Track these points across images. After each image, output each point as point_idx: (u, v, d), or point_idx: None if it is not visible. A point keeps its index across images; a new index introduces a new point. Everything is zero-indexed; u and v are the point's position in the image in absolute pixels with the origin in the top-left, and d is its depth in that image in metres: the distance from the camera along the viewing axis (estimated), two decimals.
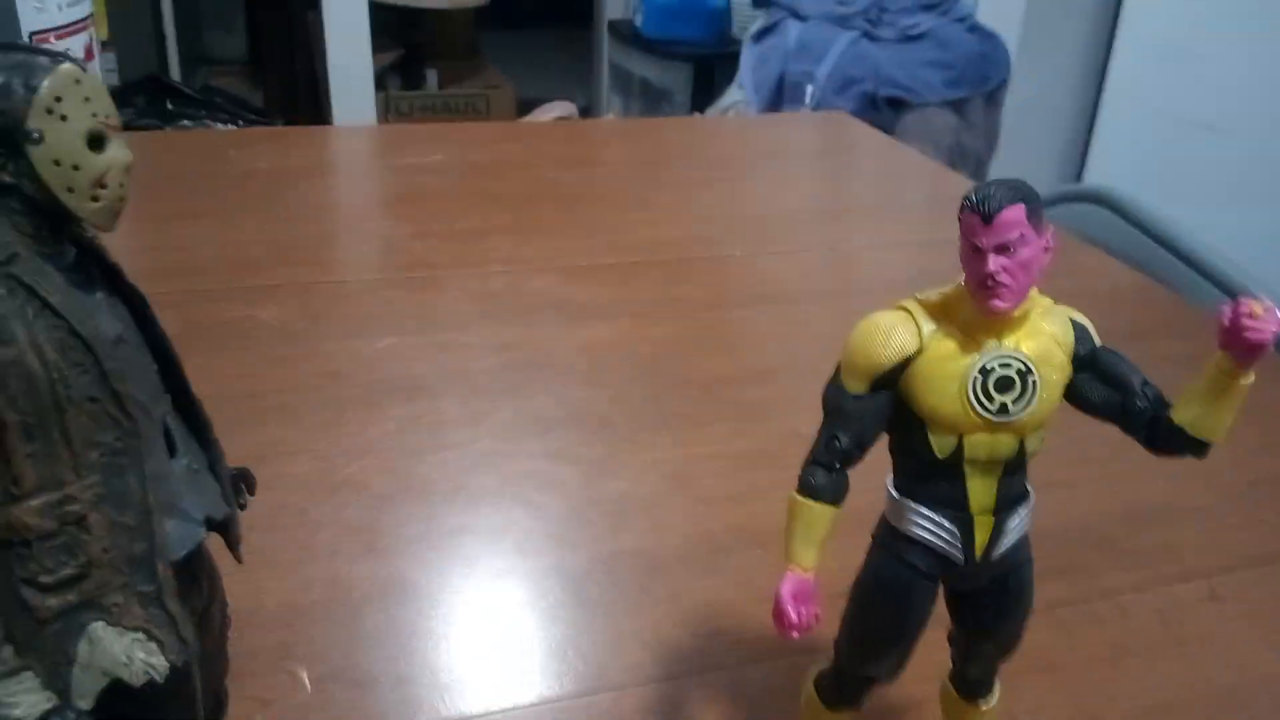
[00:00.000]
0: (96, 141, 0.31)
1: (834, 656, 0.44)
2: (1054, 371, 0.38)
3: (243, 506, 0.42)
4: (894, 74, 2.09)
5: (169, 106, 2.20)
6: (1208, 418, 0.37)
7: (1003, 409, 0.37)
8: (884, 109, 2.07)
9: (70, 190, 0.31)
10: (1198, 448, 0.37)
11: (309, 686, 0.53)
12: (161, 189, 1.13)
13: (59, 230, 0.32)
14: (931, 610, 0.41)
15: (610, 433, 0.75)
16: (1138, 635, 0.59)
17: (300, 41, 2.96)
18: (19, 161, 0.30)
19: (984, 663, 0.43)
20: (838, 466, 0.39)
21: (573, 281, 0.99)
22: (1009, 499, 0.39)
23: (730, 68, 2.46)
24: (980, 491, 0.39)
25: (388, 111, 2.84)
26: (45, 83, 0.30)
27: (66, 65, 0.31)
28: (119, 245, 0.36)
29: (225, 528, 0.39)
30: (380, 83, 2.73)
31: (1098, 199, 1.33)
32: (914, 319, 0.38)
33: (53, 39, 1.52)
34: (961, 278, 0.38)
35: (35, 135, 0.30)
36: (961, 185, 1.36)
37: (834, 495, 0.39)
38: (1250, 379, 0.36)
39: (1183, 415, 0.37)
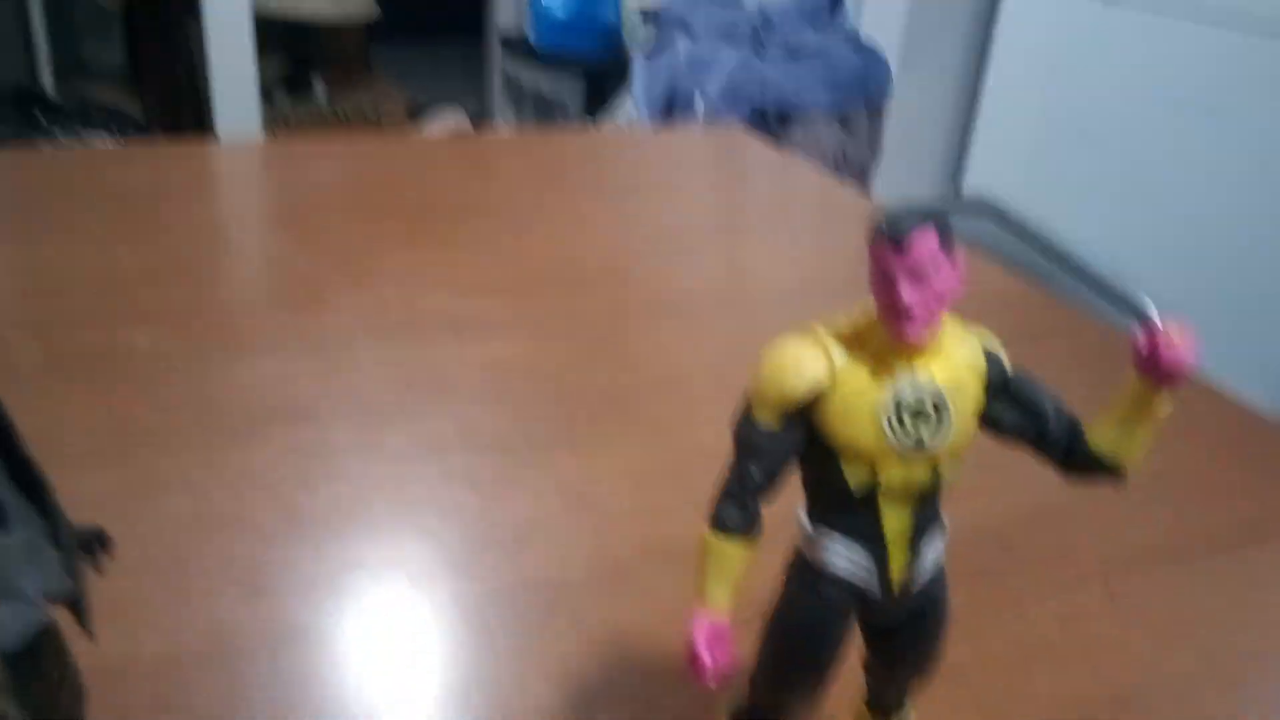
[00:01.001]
0: None
1: (749, 690, 0.42)
2: (967, 399, 0.37)
3: (99, 571, 0.38)
4: (781, 89, 2.12)
5: (40, 119, 2.08)
6: (1124, 442, 0.37)
7: (918, 440, 0.37)
8: (772, 122, 2.10)
9: None
10: (1114, 472, 0.37)
11: None
12: (29, 207, 1.06)
13: None
14: (846, 642, 0.39)
15: (510, 454, 0.73)
16: (1040, 640, 0.60)
17: (182, 51, 2.84)
18: None
19: (900, 687, 0.42)
20: (750, 502, 0.37)
21: (468, 297, 0.96)
22: (925, 529, 0.38)
23: (622, 79, 2.46)
24: (895, 523, 0.38)
25: (274, 124, 2.75)
26: None
27: None
28: None
29: (72, 602, 0.35)
30: (266, 94, 2.63)
31: (981, 209, 1.36)
32: (824, 346, 0.37)
33: None
34: (868, 300, 0.37)
35: None
36: (849, 195, 1.38)
37: (747, 532, 0.37)
38: (1168, 404, 0.35)
39: (1098, 441, 0.37)
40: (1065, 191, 2.37)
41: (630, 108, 2.30)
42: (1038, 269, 1.18)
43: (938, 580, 0.40)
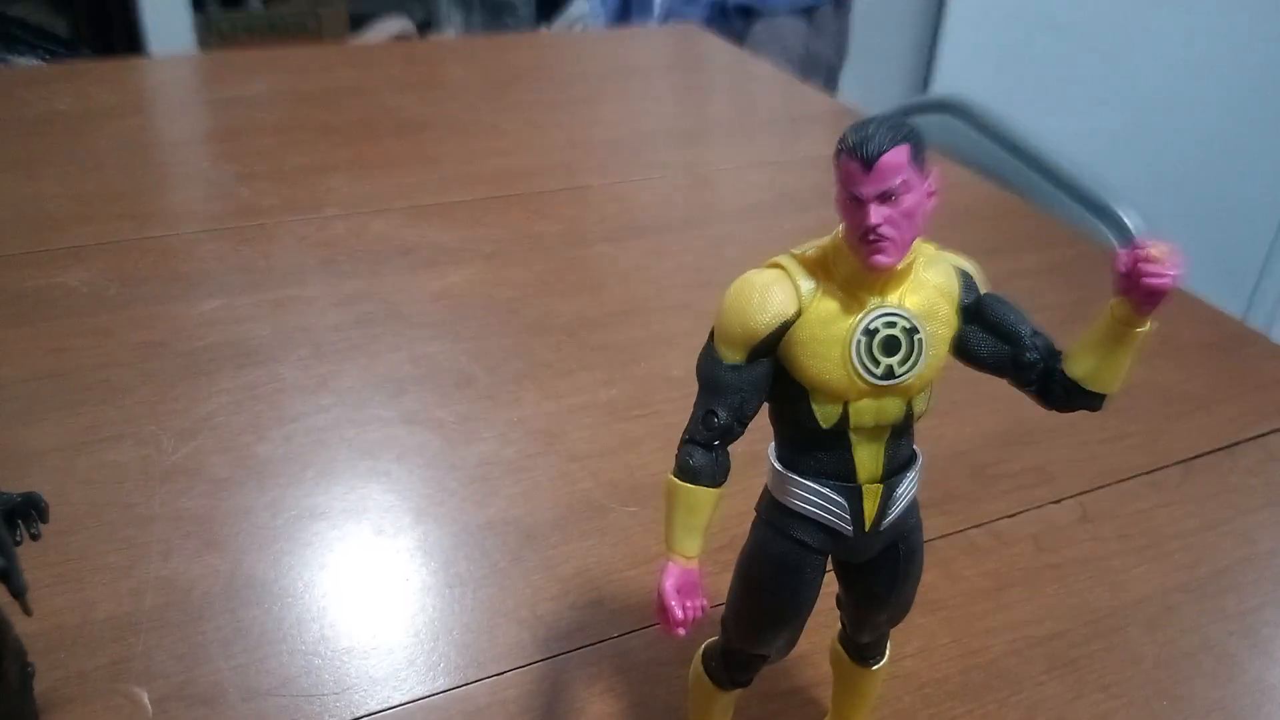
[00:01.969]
0: None
1: (722, 633, 0.41)
2: (941, 326, 0.35)
3: (35, 537, 0.36)
4: None
5: None
6: (1104, 370, 0.35)
7: (889, 372, 0.35)
8: (734, 18, 2.03)
9: None
10: (1093, 401, 0.35)
11: (150, 709, 0.47)
12: None
13: None
14: (821, 583, 0.38)
15: (470, 390, 0.70)
16: (1015, 563, 0.59)
17: None
18: None
19: (876, 630, 0.41)
20: (717, 444, 0.35)
21: (420, 222, 0.92)
22: (897, 464, 0.37)
23: None
24: (867, 459, 0.36)
25: (208, 36, 2.63)
26: None
27: None
28: None
29: (4, 577, 0.33)
30: (198, 4, 2.51)
31: (949, 108, 1.33)
32: (790, 278, 0.35)
33: None
34: (839, 228, 0.35)
35: None
36: (815, 99, 1.34)
37: (714, 476, 0.36)
38: (1149, 327, 0.33)
39: (1077, 368, 0.35)
40: (1038, 88, 2.33)
41: (584, 7, 2.22)
42: (1011, 177, 1.16)
43: (910, 513, 0.38)
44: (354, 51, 1.48)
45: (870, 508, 0.37)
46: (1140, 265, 0.32)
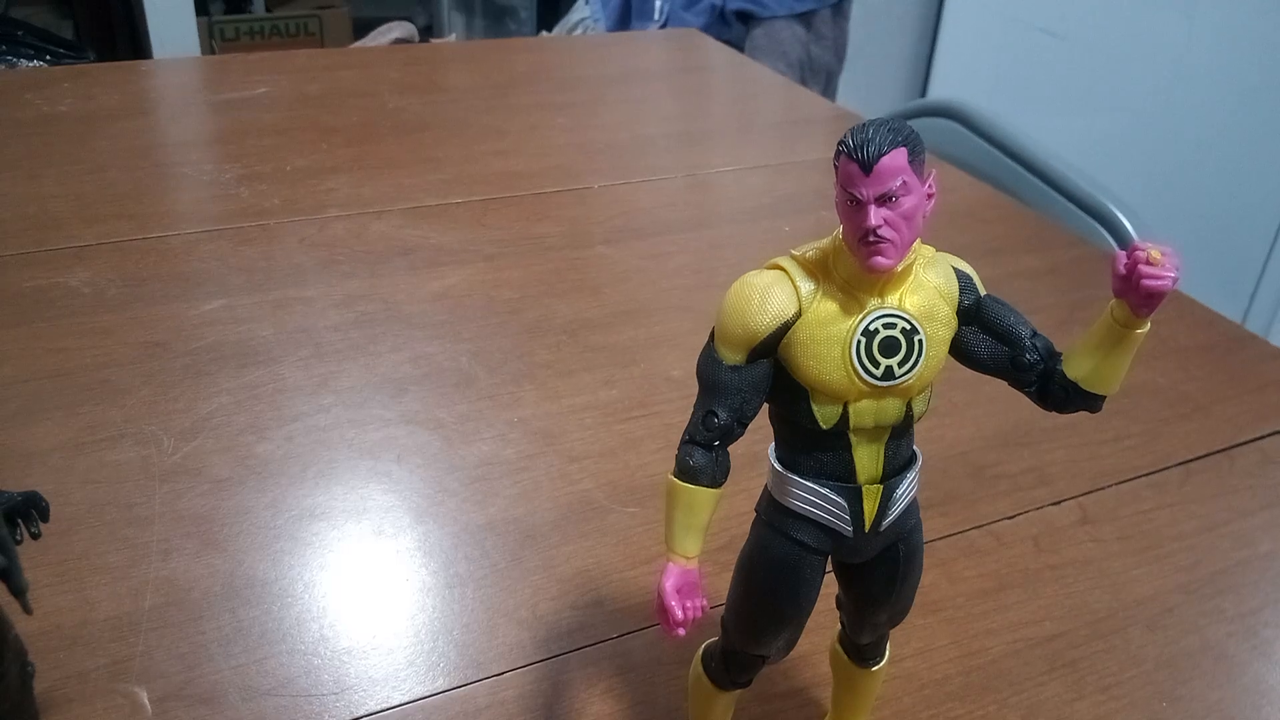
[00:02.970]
0: None
1: (721, 634, 0.41)
2: (940, 327, 0.35)
3: (35, 536, 0.36)
4: None
5: None
6: (1102, 370, 0.35)
7: (888, 373, 0.35)
8: (733, 23, 2.03)
9: None
10: (1092, 402, 0.35)
11: (150, 709, 0.47)
12: None
13: None
14: (820, 584, 0.38)
15: (470, 390, 0.71)
16: (1015, 564, 0.59)
17: None
18: None
19: (876, 631, 0.41)
20: (717, 444, 0.36)
21: (421, 223, 0.92)
22: (896, 465, 0.37)
23: None
24: (867, 460, 0.36)
25: (211, 39, 2.63)
26: None
27: None
28: None
29: (4, 576, 0.33)
30: (202, 8, 2.51)
31: (947, 113, 1.33)
32: (790, 279, 0.35)
33: None
34: (839, 230, 0.35)
35: None
36: (814, 103, 1.34)
37: (714, 477, 0.36)
38: (1147, 328, 0.34)
39: (1076, 369, 0.35)
40: (1035, 92, 2.33)
41: (585, 11, 2.22)
42: (1008, 181, 1.16)
43: (910, 514, 0.38)
44: (356, 54, 1.48)
45: (870, 508, 0.37)
46: (1138, 267, 0.32)
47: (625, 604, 0.54)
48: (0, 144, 1.02)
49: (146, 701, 0.47)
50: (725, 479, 0.36)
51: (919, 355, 0.35)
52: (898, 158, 0.32)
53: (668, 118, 1.27)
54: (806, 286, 0.35)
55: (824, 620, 0.42)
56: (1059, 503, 0.64)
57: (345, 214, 0.93)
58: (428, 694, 0.49)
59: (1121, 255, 0.33)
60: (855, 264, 0.34)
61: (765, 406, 0.37)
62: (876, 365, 0.35)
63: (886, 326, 0.35)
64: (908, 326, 0.35)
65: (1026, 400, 0.37)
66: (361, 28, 2.65)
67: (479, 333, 0.77)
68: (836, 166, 0.33)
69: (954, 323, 0.36)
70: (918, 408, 0.36)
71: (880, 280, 0.35)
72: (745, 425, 0.36)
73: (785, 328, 0.35)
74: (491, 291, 0.82)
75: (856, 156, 0.32)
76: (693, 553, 0.36)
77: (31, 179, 0.95)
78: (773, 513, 0.38)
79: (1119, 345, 0.34)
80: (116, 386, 0.68)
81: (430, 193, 0.98)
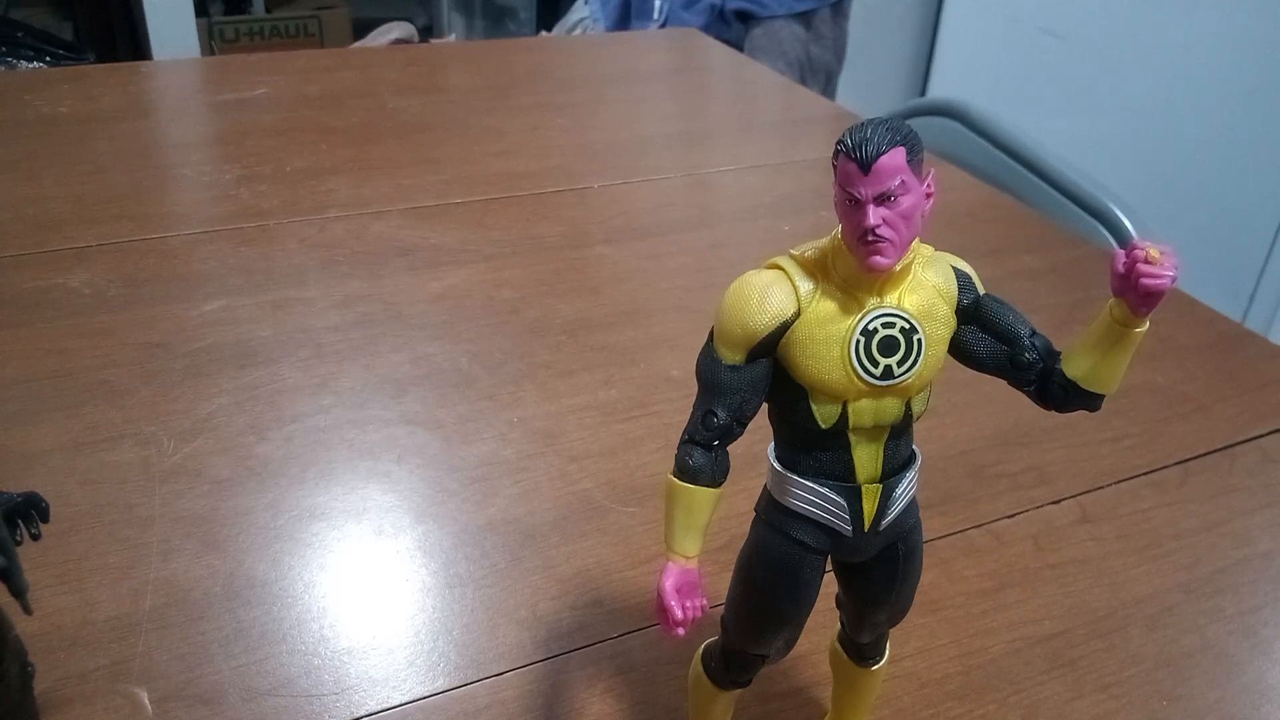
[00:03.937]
0: None
1: (721, 633, 0.41)
2: (939, 327, 0.35)
3: (35, 537, 0.36)
4: None
5: None
6: (1101, 370, 0.35)
7: (887, 372, 0.35)
8: (733, 23, 2.03)
9: None
10: (1091, 401, 0.35)
11: (150, 709, 0.47)
12: None
13: None
14: (820, 583, 0.38)
15: (470, 390, 0.71)
16: (1015, 563, 0.59)
17: None
18: None
19: (875, 630, 0.41)
20: (716, 444, 0.36)
21: (420, 223, 0.92)
22: (896, 465, 0.37)
23: None
24: (866, 460, 0.36)
25: (211, 40, 2.63)
26: None
27: None
28: None
29: (5, 576, 0.33)
30: (202, 9, 2.51)
31: (947, 112, 1.33)
32: (789, 279, 0.35)
33: None
34: (838, 229, 0.35)
35: None
36: (813, 102, 1.34)
37: (714, 477, 0.36)
38: (1146, 327, 0.34)
39: (1075, 368, 0.35)
40: (1034, 91, 2.33)
41: (585, 11, 2.22)
42: (1008, 180, 1.16)
43: (909, 513, 0.38)
44: (355, 55, 1.48)
45: (869, 508, 0.37)
46: (1137, 266, 0.32)
47: (625, 604, 0.54)
48: (0, 145, 1.02)
49: (147, 702, 0.47)
50: (725, 479, 0.36)
51: (918, 354, 0.35)
52: (896, 157, 0.32)
53: (667, 118, 1.27)
54: (805, 286, 0.35)
55: (824, 620, 0.42)
56: (1059, 502, 0.64)
57: (345, 214, 0.93)
58: (428, 694, 0.49)
59: (1120, 254, 0.33)
60: (854, 263, 0.34)
61: (765, 406, 0.37)
62: (875, 364, 0.35)
63: (885, 326, 0.35)
64: (907, 326, 0.35)
65: (1026, 400, 0.37)
66: (361, 28, 2.65)
67: (479, 333, 0.77)
68: (835, 166, 0.33)
69: (953, 322, 0.36)
70: (917, 407, 0.36)
71: (879, 279, 0.35)
72: (745, 425, 0.36)
73: (784, 327, 0.35)
74: (491, 291, 0.82)
75: (855, 156, 0.32)
76: (692, 552, 0.36)
77: (31, 180, 0.95)
78: (772, 512, 0.38)
79: (1118, 344, 0.34)
80: (116, 387, 0.68)
81: (430, 193, 0.98)
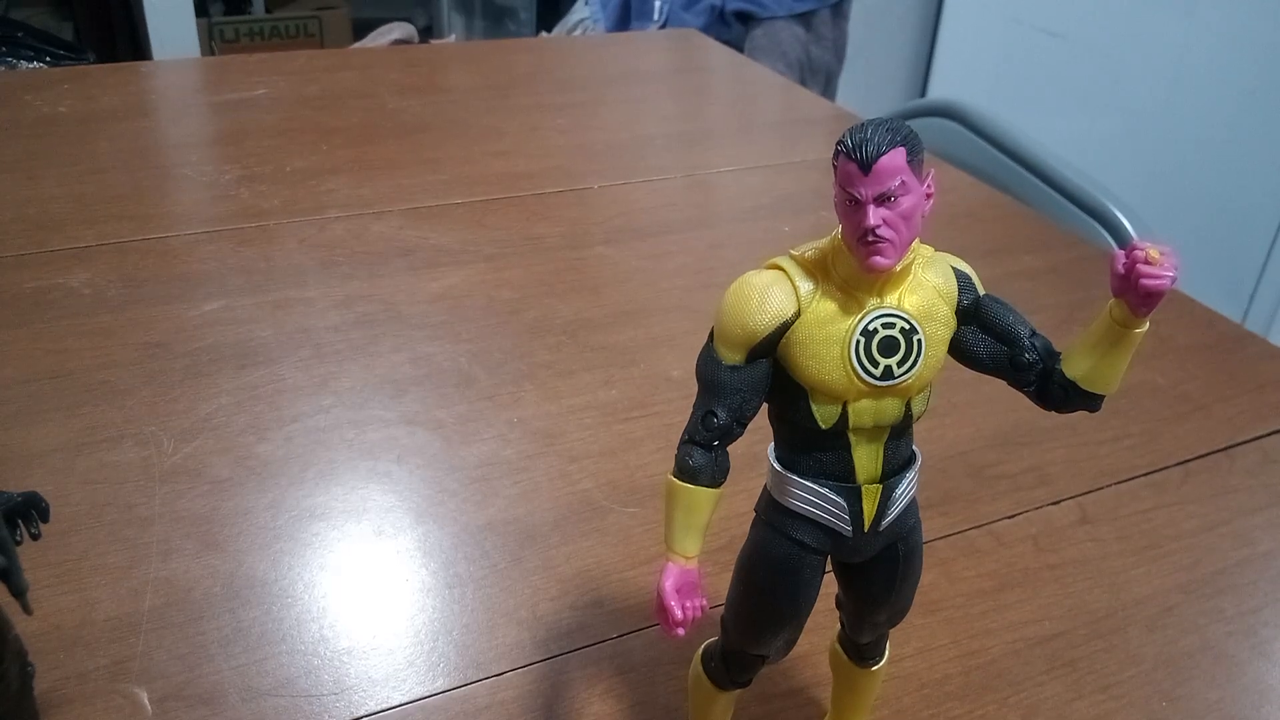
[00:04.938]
0: None
1: (721, 634, 0.41)
2: (939, 327, 0.35)
3: (35, 537, 0.36)
4: None
5: None
6: (1101, 370, 0.35)
7: (887, 373, 0.35)
8: (733, 23, 2.03)
9: None
10: (1091, 401, 0.35)
11: (150, 709, 0.47)
12: None
13: None
14: (820, 584, 0.38)
15: (470, 390, 0.71)
16: (1015, 563, 0.59)
17: None
18: None
19: (875, 631, 0.41)
20: (716, 445, 0.36)
21: (420, 224, 0.93)
22: (896, 465, 0.37)
23: None
24: (866, 460, 0.36)
25: (211, 40, 2.63)
26: None
27: None
28: None
29: (5, 576, 0.33)
30: (202, 9, 2.51)
31: (947, 113, 1.33)
32: (789, 279, 0.35)
33: None
34: (838, 229, 0.35)
35: None
36: (813, 103, 1.34)
37: (714, 477, 0.36)
38: (1145, 327, 0.34)
39: (1075, 369, 0.35)
40: (1034, 92, 2.33)
41: (585, 12, 2.22)
42: (1008, 181, 1.16)
43: (909, 513, 0.38)
44: (355, 56, 1.48)
45: (869, 508, 0.37)
46: (1137, 266, 0.32)
47: (625, 604, 0.54)
48: (0, 145, 1.02)
49: (146, 702, 0.47)
50: (725, 479, 0.36)
51: (918, 355, 0.35)
52: (896, 157, 0.32)
53: (667, 118, 1.27)
54: (805, 286, 0.35)
55: (824, 620, 0.42)
56: (1058, 502, 0.64)
57: (345, 215, 0.93)
58: (428, 694, 0.49)
59: (1120, 254, 0.33)
60: (854, 264, 0.34)
61: (765, 406, 0.37)
62: (875, 365, 0.35)
63: (885, 326, 0.35)
64: (907, 326, 0.35)
65: (1026, 400, 0.37)
66: (361, 28, 2.65)
67: (479, 333, 0.77)
68: (835, 166, 0.33)
69: (953, 322, 0.36)
70: (917, 407, 0.36)
71: (879, 280, 0.35)
72: (744, 425, 0.36)
73: (784, 327, 0.35)
74: (491, 292, 0.82)
75: (855, 156, 0.32)
76: (692, 553, 0.36)
77: (31, 180, 0.95)
78: (772, 512, 0.38)
79: (1118, 345, 0.34)
80: (116, 387, 0.68)
81: (430, 193, 0.98)
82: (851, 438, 0.36)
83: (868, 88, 2.49)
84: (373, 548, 0.57)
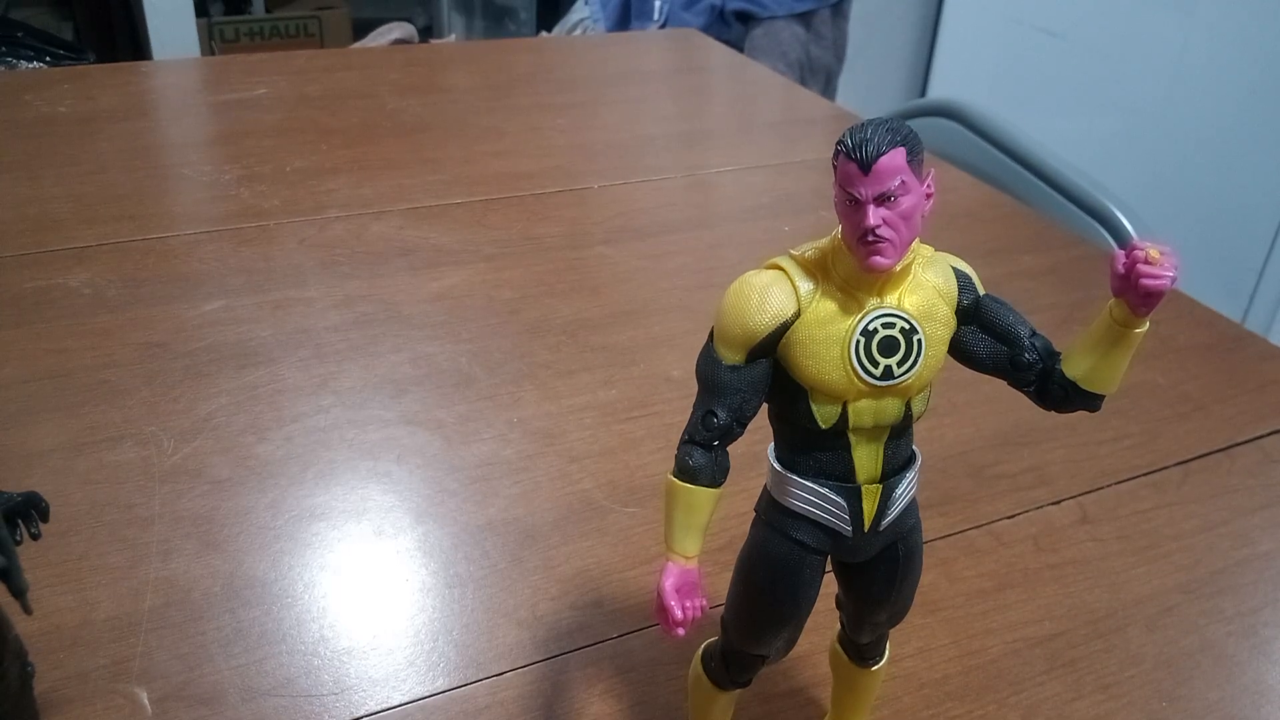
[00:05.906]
0: None
1: (721, 634, 0.41)
2: (939, 327, 0.35)
3: (35, 537, 0.36)
4: None
5: None
6: (1101, 370, 0.35)
7: (887, 373, 0.35)
8: (733, 23, 2.03)
9: None
10: (1091, 401, 0.35)
11: (150, 709, 0.47)
12: None
13: None
14: (820, 583, 0.38)
15: (470, 390, 0.71)
16: (1015, 563, 0.59)
17: None
18: None
19: (875, 631, 0.41)
20: (716, 444, 0.36)
21: (420, 224, 0.92)
22: (896, 465, 0.37)
23: None
24: (866, 460, 0.36)
25: (211, 40, 2.63)
26: None
27: None
28: None
29: (5, 576, 0.33)
30: (202, 9, 2.51)
31: (947, 113, 1.33)
32: (789, 279, 0.35)
33: None
34: (838, 229, 0.35)
35: None
36: (813, 103, 1.34)
37: (714, 477, 0.36)
38: (1145, 327, 0.34)
39: (1075, 368, 0.35)
40: (1034, 92, 2.33)
41: (585, 12, 2.22)
42: (1008, 180, 1.16)
43: (909, 513, 0.38)
44: (355, 55, 1.48)
45: (869, 508, 0.37)
46: (1137, 266, 0.32)
47: (625, 604, 0.54)
48: (0, 145, 1.02)
49: (146, 702, 0.47)
50: (725, 479, 0.36)
51: (918, 355, 0.35)
52: (896, 157, 0.32)
53: (667, 118, 1.27)
54: (805, 286, 0.35)
55: (824, 620, 0.42)
56: (1059, 502, 0.64)
57: (345, 215, 0.93)
58: (428, 694, 0.49)
59: (1120, 254, 0.33)
60: (854, 263, 0.34)
61: (765, 406, 0.37)
62: (875, 365, 0.35)
63: (885, 326, 0.35)
64: (907, 326, 0.35)
65: (1026, 400, 0.37)
66: (361, 28, 2.65)
67: (479, 333, 0.77)
68: (835, 166, 0.33)
69: (953, 322, 0.36)
70: (917, 407, 0.36)
71: (879, 280, 0.35)
72: (744, 425, 0.36)
73: (784, 327, 0.35)
74: (491, 291, 0.82)
75: (855, 156, 0.32)
76: (692, 552, 0.36)
77: (31, 180, 0.95)
78: (772, 512, 0.38)
79: (1118, 345, 0.34)
80: (116, 387, 0.68)
81: (430, 193, 0.98)
82: (851, 438, 0.36)
83: (868, 88, 2.49)
84: (373, 548, 0.57)
